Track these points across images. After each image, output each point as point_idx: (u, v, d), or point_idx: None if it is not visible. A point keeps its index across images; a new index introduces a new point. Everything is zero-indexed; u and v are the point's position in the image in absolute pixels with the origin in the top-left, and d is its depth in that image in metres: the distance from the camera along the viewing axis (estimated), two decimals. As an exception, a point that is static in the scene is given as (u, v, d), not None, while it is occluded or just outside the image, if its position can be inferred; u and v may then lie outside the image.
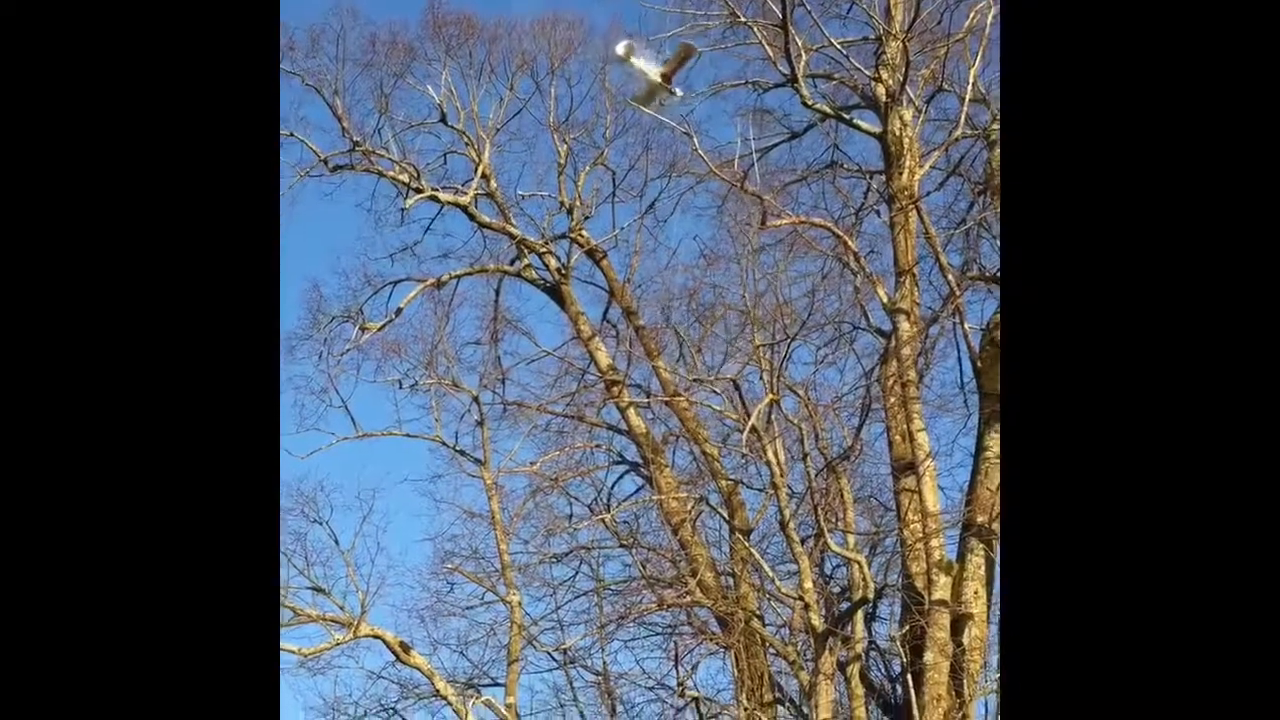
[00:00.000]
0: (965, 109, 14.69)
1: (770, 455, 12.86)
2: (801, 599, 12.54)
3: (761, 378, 13.51)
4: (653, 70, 13.28)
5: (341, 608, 14.80)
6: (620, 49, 13.65)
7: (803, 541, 13.00)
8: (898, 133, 15.05)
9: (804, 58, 14.53)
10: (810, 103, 15.08)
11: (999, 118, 14.78)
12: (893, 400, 14.12)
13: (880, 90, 15.38)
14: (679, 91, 13.75)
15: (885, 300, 14.42)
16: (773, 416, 13.16)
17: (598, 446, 16.13)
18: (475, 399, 16.66)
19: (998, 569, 13.40)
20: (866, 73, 15.48)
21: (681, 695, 13.87)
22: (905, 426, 13.98)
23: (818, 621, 12.38)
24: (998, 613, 13.25)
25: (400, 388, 16.91)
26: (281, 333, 17.46)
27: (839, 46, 15.20)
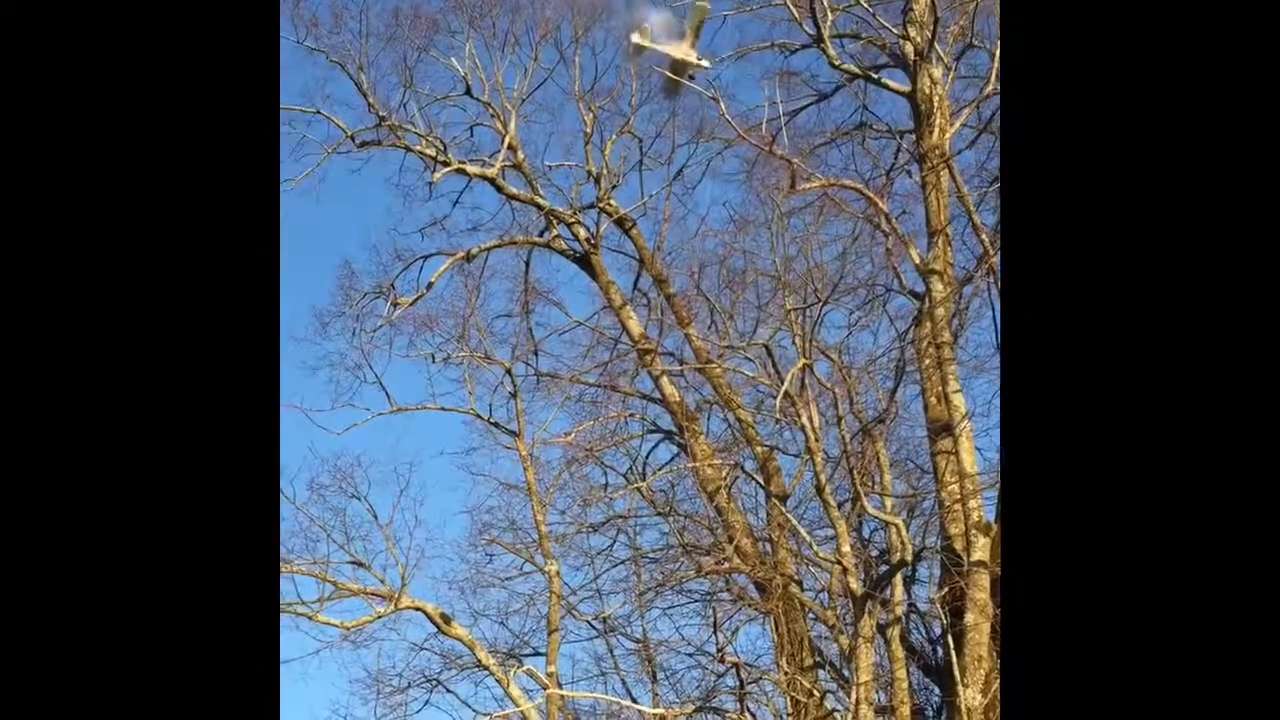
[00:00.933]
0: (995, 64, 14.46)
1: (805, 420, 12.81)
2: (840, 563, 12.52)
3: (794, 342, 13.44)
4: (675, 49, 13.15)
5: (382, 581, 14.91)
6: (636, 37, 13.53)
7: (839, 506, 12.97)
8: (927, 91, 14.86)
9: (830, 18, 14.35)
10: (837, 63, 14.91)
11: (999, 114, 14.51)
12: (927, 362, 14.01)
13: (908, 48, 15.18)
14: (705, 62, 13.62)
15: (918, 261, 14.28)
16: (806, 381, 13.09)
17: (631, 415, 16.14)
18: (508, 371, 16.69)
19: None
20: (894, 31, 15.27)
21: (722, 661, 13.92)
22: (940, 388, 13.88)
23: (856, 585, 12.37)
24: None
25: (433, 362, 16.98)
26: (314, 309, 17.58)
27: (865, 4, 15.01)
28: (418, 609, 14.79)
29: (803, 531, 13.40)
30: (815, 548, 13.31)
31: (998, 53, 14.36)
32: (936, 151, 14.54)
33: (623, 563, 16.14)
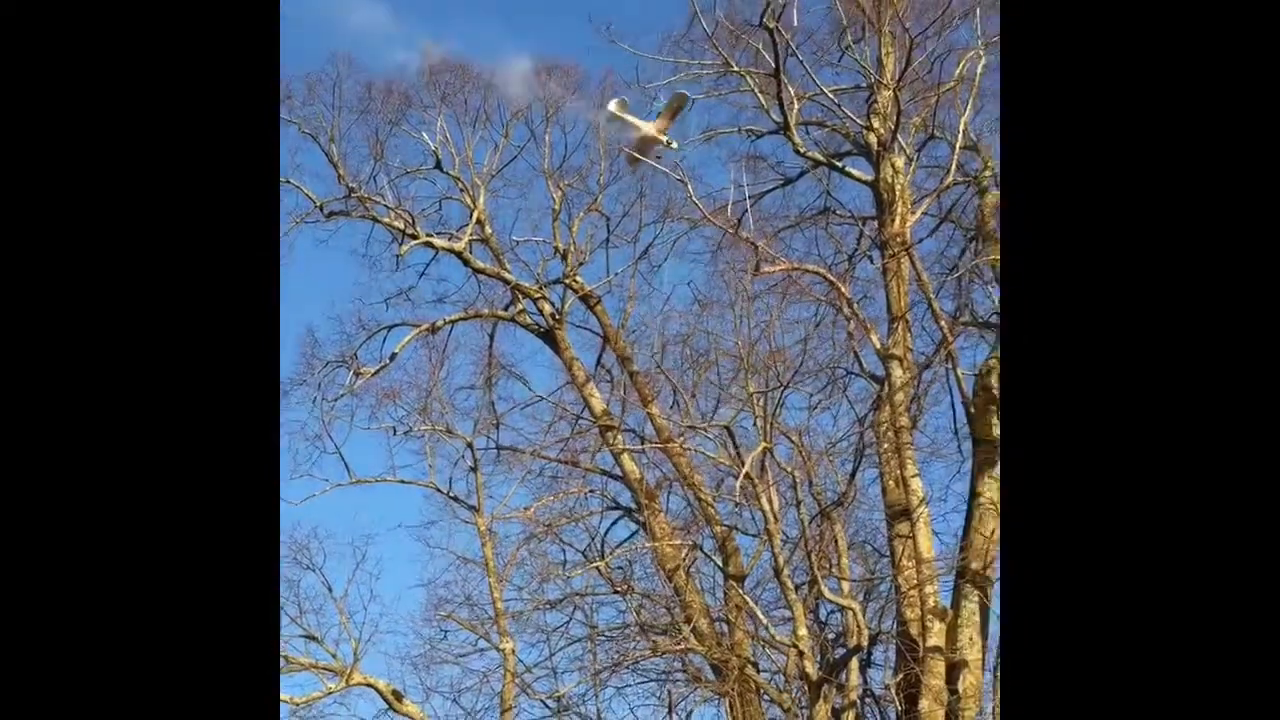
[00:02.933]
0: (956, 156, 14.84)
1: (764, 502, 12.86)
2: (796, 646, 12.49)
3: (755, 424, 13.54)
4: (646, 125, 13.42)
5: (334, 655, 14.72)
6: (613, 106, 13.80)
7: (797, 588, 12.97)
8: (890, 180, 15.19)
9: (796, 105, 14.68)
10: (803, 150, 15.23)
11: (998, 154, 14.89)
12: (886, 446, 14.14)
13: (872, 138, 15.54)
14: (674, 144, 13.89)
15: (878, 346, 14.48)
16: (766, 463, 13.16)
17: (592, 492, 16.12)
18: (469, 445, 16.67)
19: (994, 614, 13.38)
20: (858, 121, 15.65)
21: (676, 744, 13.78)
22: (899, 472, 14.00)
23: (812, 669, 12.33)
24: (993, 659, 13.21)
25: (394, 434, 16.94)
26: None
27: (831, 95, 15.37)
28: (369, 685, 14.60)
29: (759, 614, 13.38)
30: (772, 630, 13.28)
31: (958, 143, 14.73)
32: (898, 239, 14.83)
33: (579, 640, 15.99)
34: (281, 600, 14.92)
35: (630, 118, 13.69)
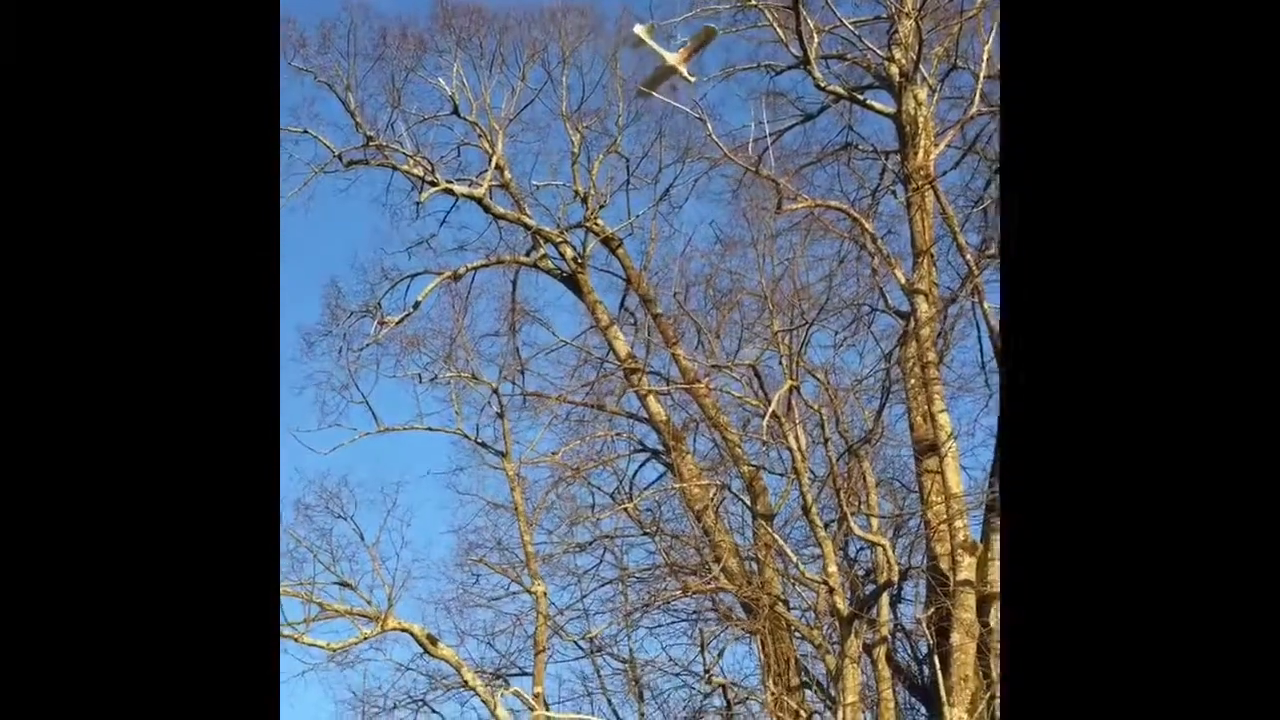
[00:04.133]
0: (980, 85, 14.56)
1: (791, 440, 12.83)
2: (826, 583, 12.53)
3: (781, 363, 13.48)
4: (670, 55, 13.19)
5: (368, 602, 14.86)
6: (640, 30, 13.54)
7: (826, 526, 12.99)
8: (912, 112, 14.95)
9: (816, 39, 14.43)
10: (823, 84, 14.99)
11: (1000, 108, 14.59)
12: (913, 382, 14.06)
13: (894, 70, 15.29)
14: (693, 77, 13.66)
15: (903, 281, 14.34)
16: (793, 401, 13.12)
17: (618, 435, 16.16)
18: (495, 391, 16.70)
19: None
20: (879, 52, 15.38)
21: (708, 681, 13.91)
22: (926, 408, 13.93)
23: (843, 605, 12.37)
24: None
25: (420, 382, 16.98)
26: (300, 330, 17.58)
27: (851, 27, 15.09)
28: (404, 630, 14.74)
29: (789, 551, 13.41)
30: (801, 568, 13.32)
31: (982, 72, 14.47)
32: (921, 172, 14.62)
33: (609, 583, 16.13)
34: (315, 548, 15.10)
35: (655, 45, 13.43)
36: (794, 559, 13.35)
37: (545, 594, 15.43)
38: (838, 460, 12.89)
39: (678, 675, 15.23)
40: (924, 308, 14.06)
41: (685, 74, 13.83)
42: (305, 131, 16.87)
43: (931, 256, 14.63)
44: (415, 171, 16.96)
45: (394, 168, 17.14)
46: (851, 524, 12.58)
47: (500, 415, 16.60)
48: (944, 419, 13.89)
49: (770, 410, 12.78)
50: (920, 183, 14.61)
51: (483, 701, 14.76)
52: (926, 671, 13.67)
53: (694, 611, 15.10)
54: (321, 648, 14.60)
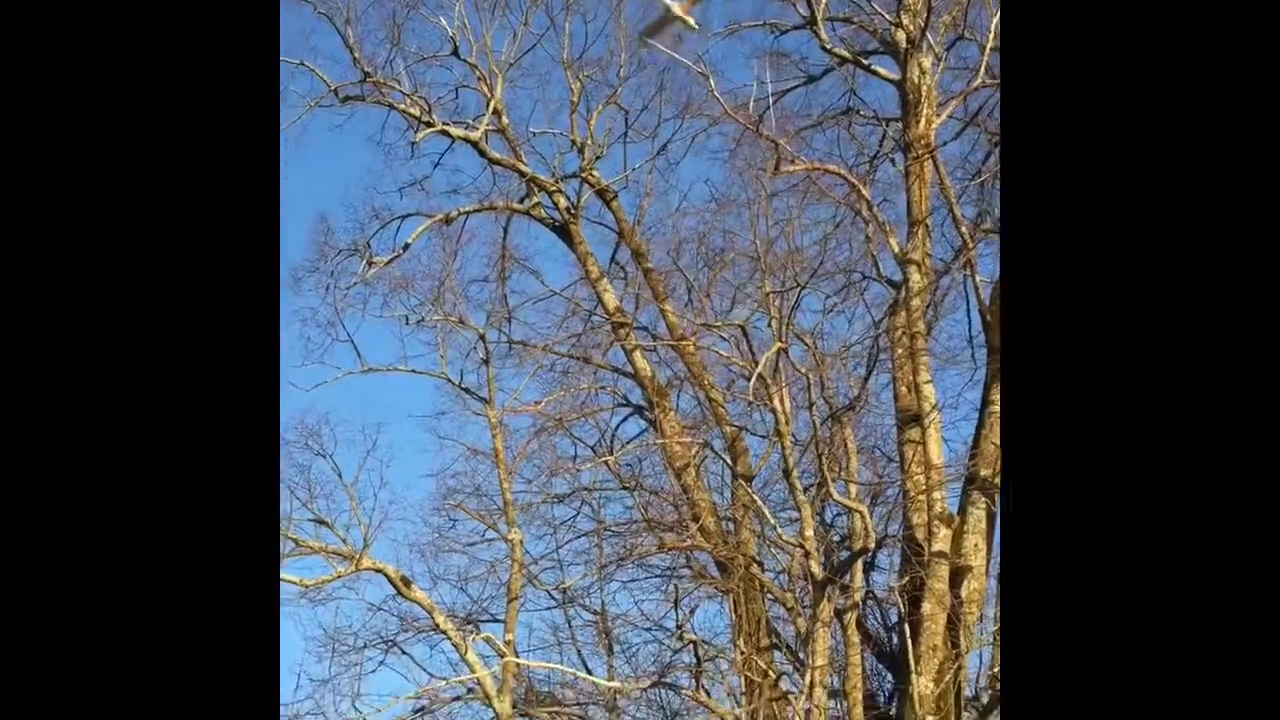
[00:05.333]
0: (985, 58, 14.47)
1: (776, 403, 12.83)
2: (802, 546, 12.58)
3: (770, 324, 13.45)
4: (675, 2, 12.97)
5: (344, 540, 14.86)
6: None
7: (805, 490, 13.02)
8: (916, 80, 14.84)
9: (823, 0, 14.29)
10: (829, 46, 14.85)
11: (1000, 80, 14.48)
12: (900, 351, 14.07)
13: (900, 36, 15.14)
14: (697, 25, 13.43)
15: (897, 250, 14.31)
16: (780, 364, 13.11)
17: (603, 388, 16.13)
18: (481, 336, 16.62)
19: (999, 523, 13.43)
20: (887, 17, 15.23)
21: (680, 638, 13.98)
22: (912, 378, 13.94)
23: (817, 569, 12.43)
24: (997, 566, 13.31)
25: (406, 323, 16.88)
26: (287, 265, 17.43)
27: (859, -11, 14.95)
28: (378, 570, 14.75)
29: (767, 513, 13.45)
30: (779, 530, 13.37)
31: (987, 44, 14.36)
32: (922, 141, 14.55)
33: (586, 535, 16.16)
34: (292, 484, 15.06)
35: None
36: (771, 521, 13.39)
37: (521, 542, 15.45)
38: (821, 425, 12.89)
39: (649, 630, 15.32)
40: (916, 278, 14.04)
41: (689, 20, 13.62)
42: (301, 64, 16.62)
43: (927, 227, 14.58)
44: (412, 111, 16.74)
45: (390, 106, 16.91)
46: (831, 489, 12.61)
47: (485, 362, 16.53)
48: (929, 390, 13.92)
49: (757, 372, 12.77)
50: (920, 152, 14.53)
51: (453, 646, 14.81)
52: (896, 639, 13.77)
53: (668, 568, 15.17)
54: (294, 583, 14.60)
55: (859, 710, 12.40)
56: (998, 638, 12.39)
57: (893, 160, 16.09)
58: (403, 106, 16.80)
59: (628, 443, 15.81)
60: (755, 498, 13.59)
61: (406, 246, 16.72)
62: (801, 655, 13.19)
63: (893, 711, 13.71)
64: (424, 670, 15.81)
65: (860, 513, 12.72)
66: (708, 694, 13.08)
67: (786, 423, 12.86)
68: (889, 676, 14.28)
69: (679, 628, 13.99)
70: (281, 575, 14.41)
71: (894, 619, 14.01)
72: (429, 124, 16.54)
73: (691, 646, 13.23)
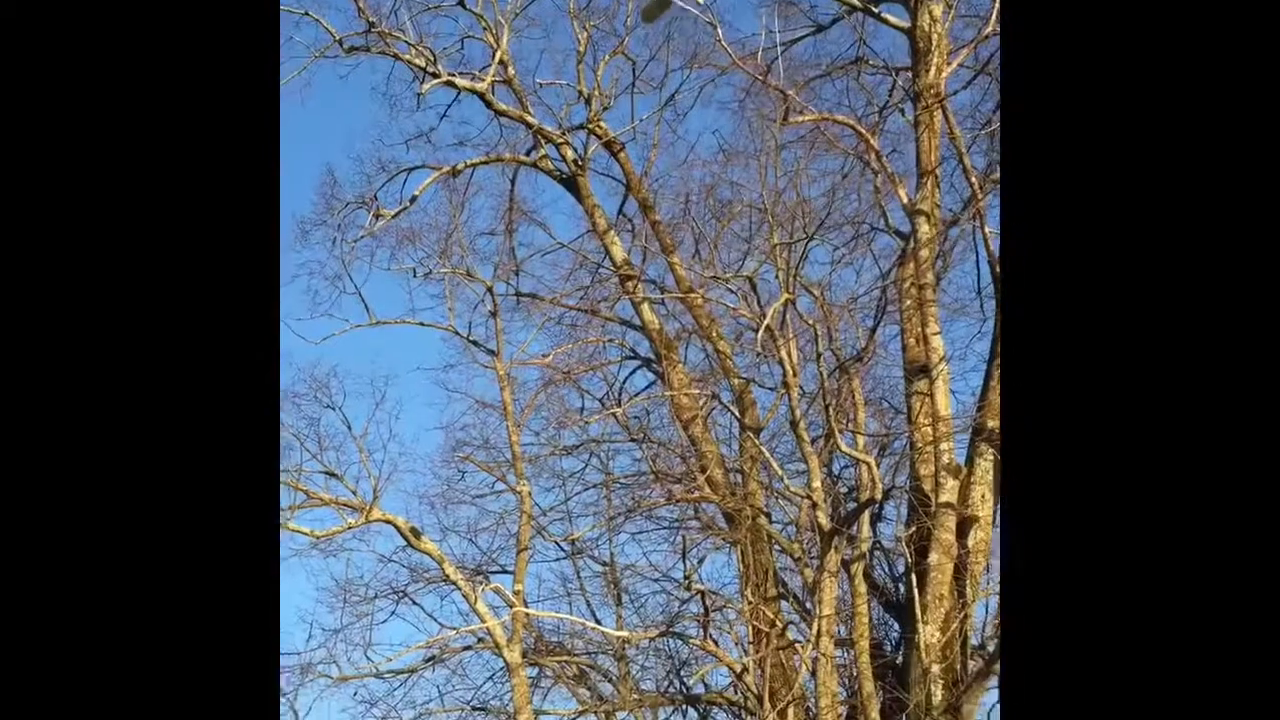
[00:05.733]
0: (996, 5, 14.30)
1: (783, 354, 12.83)
2: (809, 497, 12.62)
3: (777, 276, 13.42)
4: None
5: (354, 492, 14.94)
6: None
7: (812, 441, 13.04)
8: (926, 28, 14.69)
9: (834, -54, 14.13)
10: (838, -7, 14.71)
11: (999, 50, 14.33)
12: (908, 302, 14.03)
13: (910, -17, 14.97)
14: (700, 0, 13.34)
15: (905, 201, 14.23)
16: (787, 316, 13.09)
17: (610, 341, 16.14)
18: (489, 289, 16.60)
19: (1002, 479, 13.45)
20: (897, -36, 15.06)
21: (688, 588, 14.08)
22: (920, 329, 13.92)
23: (824, 520, 12.49)
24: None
25: (414, 276, 16.86)
26: (295, 218, 17.39)
27: (870, -65, 14.77)
28: (388, 522, 14.85)
29: (774, 464, 13.49)
30: (786, 481, 13.41)
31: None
32: (931, 91, 14.42)
33: (594, 486, 16.25)
34: (301, 436, 15.13)
35: None
36: (779, 472, 13.44)
37: (529, 494, 15.53)
38: (829, 377, 12.90)
39: (657, 581, 15.43)
40: (924, 229, 13.97)
41: None
42: (306, 14, 16.49)
43: (936, 177, 14.49)
44: (417, 62, 16.61)
45: (396, 57, 16.79)
46: (838, 441, 12.64)
47: (493, 314, 16.53)
48: (937, 342, 13.90)
49: (765, 324, 12.75)
50: (929, 101, 14.40)
51: (463, 596, 14.93)
52: (902, 589, 13.87)
53: (676, 519, 15.25)
54: (306, 534, 14.72)
55: (865, 659, 12.51)
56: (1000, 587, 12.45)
57: (902, 110, 15.98)
58: (408, 57, 16.67)
59: (636, 395, 15.86)
60: (763, 449, 13.63)
61: (413, 199, 16.67)
62: (809, 605, 13.28)
63: (899, 660, 13.83)
64: (434, 620, 16.00)
65: (867, 464, 12.76)
66: (715, 643, 13.19)
67: (794, 374, 12.86)
68: (895, 625, 14.39)
69: (687, 578, 14.09)
70: (293, 526, 14.54)
71: (901, 569, 14.10)
72: (435, 75, 16.42)
73: (699, 597, 13.33)
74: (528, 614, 14.67)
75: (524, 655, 14.56)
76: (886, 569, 14.71)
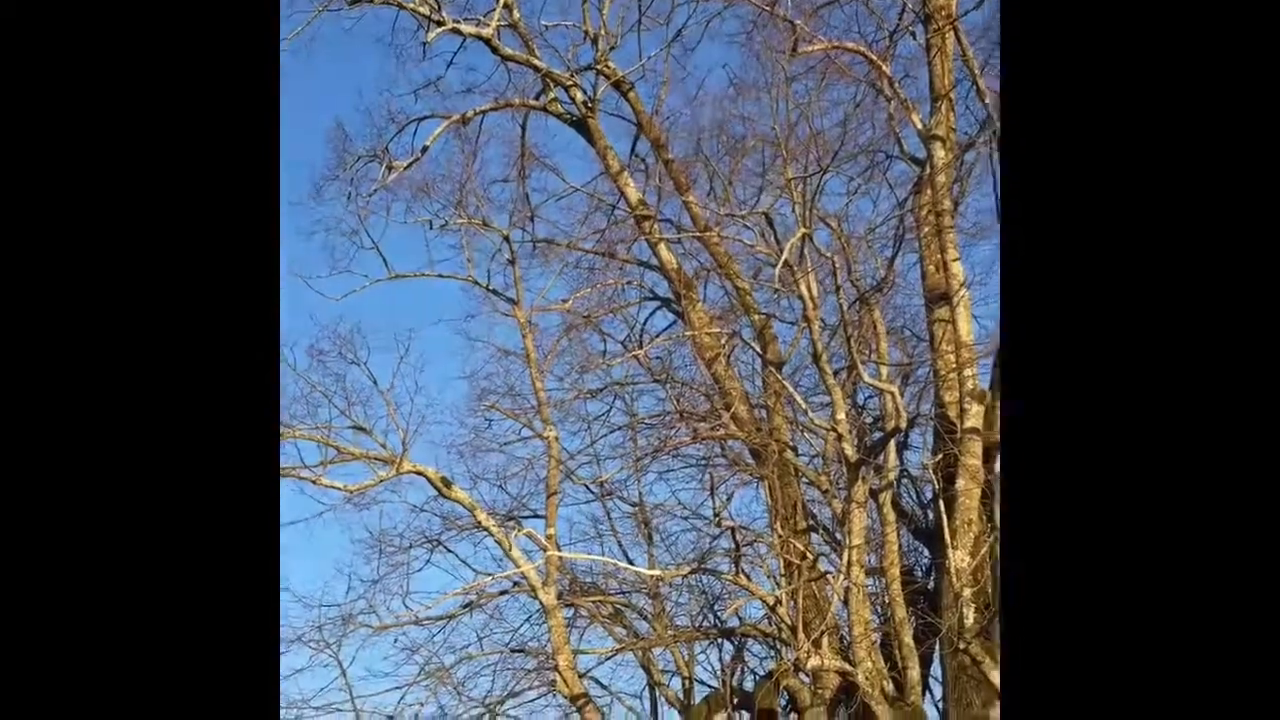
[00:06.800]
0: (1005, -79, 14.01)
1: (803, 288, 12.79)
2: (834, 429, 12.66)
3: (794, 210, 13.33)
4: None
5: (383, 446, 15.11)
6: None
7: (835, 374, 13.05)
8: (934, -53, 14.41)
9: None
10: (843, -83, 14.43)
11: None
12: (927, 229, 13.93)
13: (917, -99, 14.66)
14: None
15: (920, 127, 14.06)
16: (805, 250, 13.03)
17: (629, 283, 16.15)
18: (506, 238, 16.60)
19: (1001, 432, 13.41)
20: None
21: (717, 524, 14.20)
22: (939, 256, 13.83)
23: (850, 451, 12.52)
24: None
25: (431, 228, 16.87)
26: (310, 175, 17.38)
27: None
28: (418, 473, 15.02)
29: (798, 398, 13.52)
30: (810, 414, 13.44)
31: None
32: (943, 12, 14.18)
33: (620, 428, 16.37)
34: (329, 393, 15.27)
35: None
36: (803, 406, 13.47)
37: (556, 439, 15.65)
38: (849, 308, 12.86)
39: (686, 519, 15.60)
40: (940, 154, 13.81)
41: None
42: (307, -34, 16.32)
43: (950, 101, 14.29)
44: (421, 10, 16.47)
45: (400, 6, 16.62)
46: (861, 371, 12.64)
47: (511, 262, 16.54)
48: (957, 267, 13.80)
49: (783, 259, 12.70)
50: (941, 23, 14.17)
51: (496, 542, 15.13)
52: (931, 516, 13.94)
53: (703, 457, 15.36)
54: (339, 489, 14.91)
55: (897, 586, 12.60)
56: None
57: (913, 34, 15.69)
58: (412, 6, 16.51)
59: (657, 336, 15.90)
60: (786, 384, 13.65)
61: (425, 149, 16.61)
62: (838, 536, 13.38)
63: (930, 585, 13.94)
64: (469, 567, 16.24)
65: (891, 393, 12.77)
66: (748, 578, 13.32)
67: (814, 308, 12.84)
68: (925, 552, 14.49)
69: (716, 515, 14.20)
70: (325, 482, 14.73)
71: (929, 496, 14.16)
72: (439, 23, 16.26)
73: (729, 533, 13.42)
74: (561, 557, 14.85)
75: (559, 597, 14.78)
76: (914, 496, 14.78)
